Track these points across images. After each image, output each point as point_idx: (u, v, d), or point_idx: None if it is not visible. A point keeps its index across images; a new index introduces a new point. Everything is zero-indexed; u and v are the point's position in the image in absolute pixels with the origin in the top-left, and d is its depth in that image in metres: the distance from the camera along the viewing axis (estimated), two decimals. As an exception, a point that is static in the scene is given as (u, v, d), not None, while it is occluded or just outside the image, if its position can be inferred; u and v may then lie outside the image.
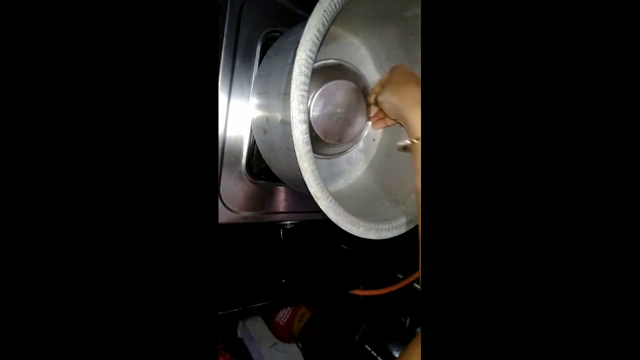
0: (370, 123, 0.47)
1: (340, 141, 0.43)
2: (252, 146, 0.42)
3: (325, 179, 0.37)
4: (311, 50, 0.29)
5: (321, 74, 0.42)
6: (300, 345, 0.80)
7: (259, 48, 0.41)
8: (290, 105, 0.29)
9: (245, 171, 0.42)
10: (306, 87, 0.30)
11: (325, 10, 0.30)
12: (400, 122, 0.40)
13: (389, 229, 0.38)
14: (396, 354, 0.66)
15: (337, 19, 0.32)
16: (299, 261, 0.51)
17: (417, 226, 0.40)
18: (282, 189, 0.45)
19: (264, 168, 0.43)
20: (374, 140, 0.51)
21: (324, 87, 0.40)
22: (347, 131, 0.43)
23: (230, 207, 0.41)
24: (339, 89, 0.41)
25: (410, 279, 0.62)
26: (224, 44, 0.39)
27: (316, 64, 0.42)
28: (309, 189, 0.31)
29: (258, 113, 0.39)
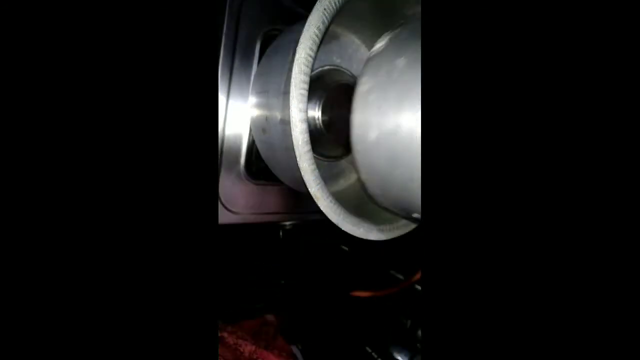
0: None
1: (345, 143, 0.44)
2: (251, 146, 0.42)
3: (326, 179, 0.36)
4: (311, 49, 0.29)
5: (324, 79, 0.42)
6: (300, 346, 0.80)
7: (258, 46, 0.41)
8: (290, 104, 0.29)
9: (244, 171, 0.42)
10: (306, 86, 0.29)
11: (325, 9, 0.30)
12: None
13: (389, 229, 0.38)
14: (397, 356, 0.65)
15: (337, 17, 0.32)
16: (298, 262, 0.51)
17: (417, 227, 0.39)
18: (282, 189, 0.45)
19: (264, 168, 0.43)
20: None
21: (330, 90, 0.41)
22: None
23: (230, 208, 0.41)
24: (342, 92, 0.42)
25: (412, 280, 0.62)
26: (223, 42, 0.38)
27: (316, 71, 0.43)
28: (309, 189, 0.31)
29: (257, 112, 0.39)
